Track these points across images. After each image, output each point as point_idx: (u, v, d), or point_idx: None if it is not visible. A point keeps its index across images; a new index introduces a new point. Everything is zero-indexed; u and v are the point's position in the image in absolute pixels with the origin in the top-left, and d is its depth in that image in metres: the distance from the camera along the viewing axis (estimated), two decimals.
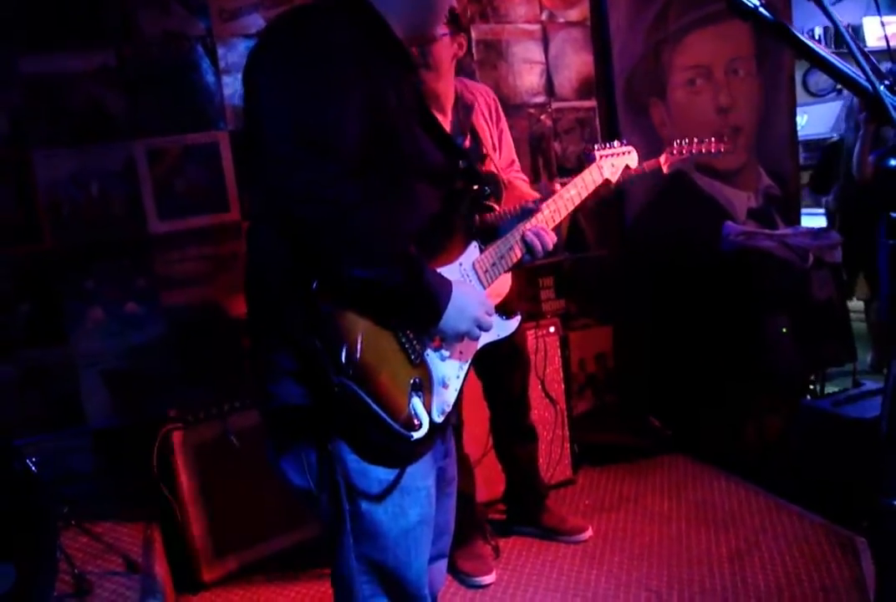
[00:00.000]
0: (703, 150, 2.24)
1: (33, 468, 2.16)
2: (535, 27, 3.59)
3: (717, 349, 3.47)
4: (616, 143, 1.91)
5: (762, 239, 3.44)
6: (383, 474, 1.43)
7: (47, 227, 2.88)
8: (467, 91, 2.55)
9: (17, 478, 2.14)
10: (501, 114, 2.64)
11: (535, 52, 3.59)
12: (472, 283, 1.55)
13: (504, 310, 1.61)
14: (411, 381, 1.40)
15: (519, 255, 1.64)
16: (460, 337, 1.46)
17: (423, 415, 1.38)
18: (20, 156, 2.82)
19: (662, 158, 2.24)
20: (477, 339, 1.50)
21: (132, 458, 2.91)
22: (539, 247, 1.64)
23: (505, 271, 1.63)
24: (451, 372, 1.49)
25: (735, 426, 3.55)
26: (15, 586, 2.02)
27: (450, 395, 1.48)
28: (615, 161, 1.88)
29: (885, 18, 6.66)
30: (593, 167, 1.83)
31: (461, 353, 1.52)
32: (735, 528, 2.81)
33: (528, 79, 3.59)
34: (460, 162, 1.61)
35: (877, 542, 1.00)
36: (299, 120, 1.28)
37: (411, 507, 1.47)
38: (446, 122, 2.47)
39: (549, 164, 3.63)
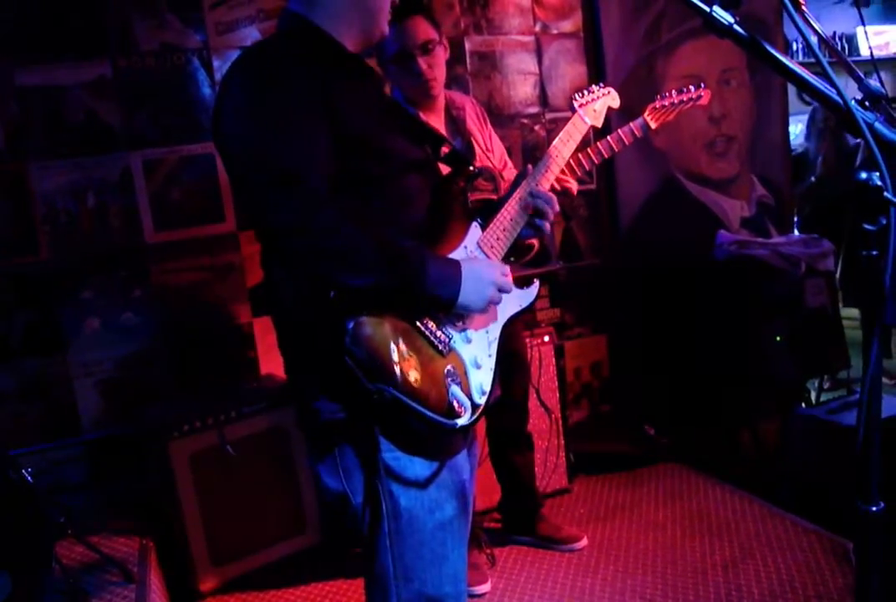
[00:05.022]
0: (686, 99, 2.17)
1: (29, 478, 2.17)
2: (529, 38, 3.62)
3: (711, 357, 3.48)
4: (594, 87, 1.91)
5: (755, 248, 3.46)
6: (420, 469, 1.47)
7: (44, 238, 2.89)
8: (454, 98, 2.61)
9: (12, 488, 2.15)
10: (487, 118, 2.69)
11: (528, 63, 3.62)
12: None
13: (519, 280, 1.62)
14: (445, 370, 1.44)
15: (521, 222, 1.64)
16: (487, 305, 1.49)
17: (465, 400, 1.43)
18: (17, 168, 2.84)
19: (647, 115, 2.17)
20: (499, 303, 1.53)
21: (128, 467, 2.93)
22: (544, 206, 1.63)
23: (512, 241, 1.63)
24: (480, 352, 1.52)
25: (730, 434, 3.56)
26: (10, 596, 2.03)
27: (485, 375, 1.51)
28: (596, 106, 1.88)
29: (876, 28, 6.72)
30: (575, 118, 1.83)
31: (487, 331, 1.54)
32: (729, 536, 2.82)
33: (522, 89, 3.62)
34: (442, 148, 1.64)
35: (857, 548, 1.01)
36: (261, 157, 1.34)
37: (448, 500, 1.51)
38: (441, 124, 2.52)
39: None
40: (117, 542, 2.70)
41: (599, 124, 1.89)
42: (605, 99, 1.92)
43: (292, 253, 1.36)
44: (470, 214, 1.60)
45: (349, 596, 2.68)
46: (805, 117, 5.71)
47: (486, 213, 1.62)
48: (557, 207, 1.67)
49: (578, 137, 1.81)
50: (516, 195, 1.65)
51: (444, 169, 1.64)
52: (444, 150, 1.64)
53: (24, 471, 2.16)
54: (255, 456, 2.79)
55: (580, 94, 1.88)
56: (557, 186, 2.21)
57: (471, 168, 1.63)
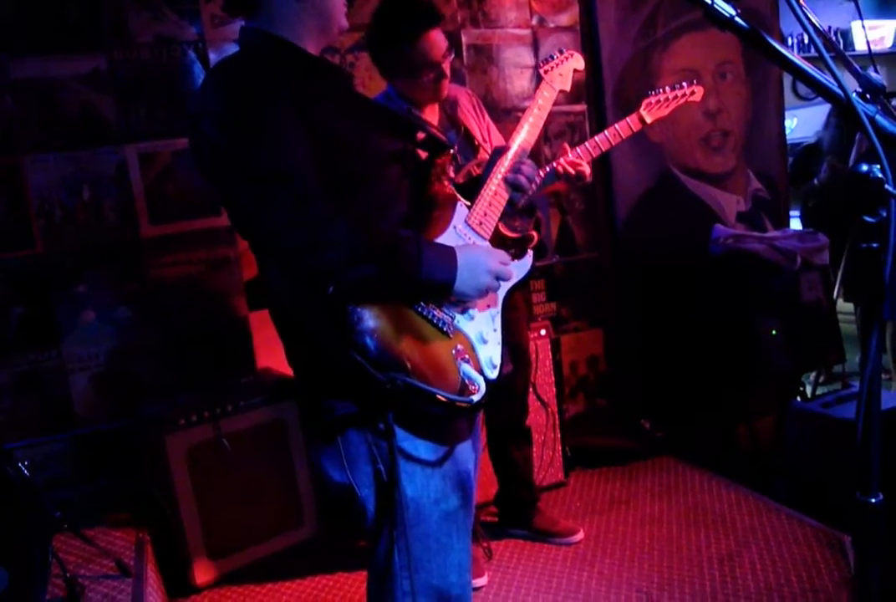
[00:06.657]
0: (679, 95, 2.25)
1: (25, 472, 2.16)
2: (526, 32, 3.61)
3: (707, 351, 3.48)
4: (556, 52, 1.93)
5: (751, 242, 3.47)
6: (426, 454, 1.48)
7: (39, 232, 2.88)
8: (449, 91, 2.58)
9: (8, 482, 2.14)
10: (484, 110, 2.67)
11: (525, 56, 3.62)
12: (473, 241, 1.58)
13: (514, 252, 1.64)
14: (453, 351, 1.45)
15: (505, 196, 1.65)
16: (484, 293, 1.50)
17: (477, 377, 1.45)
18: (11, 161, 2.83)
19: (643, 109, 2.25)
20: (498, 290, 1.54)
21: (124, 461, 2.93)
22: (522, 179, 1.65)
23: (499, 217, 1.64)
24: (485, 327, 1.53)
25: (726, 428, 3.57)
26: (7, 590, 2.03)
27: (493, 349, 1.52)
28: (561, 70, 1.91)
29: (871, 22, 6.72)
30: (543, 85, 1.85)
31: (488, 306, 1.55)
32: (726, 529, 2.82)
33: (519, 83, 3.61)
34: (417, 134, 1.65)
35: (856, 540, 1.02)
36: (249, 165, 1.36)
37: (453, 491, 1.52)
38: (435, 117, 2.51)
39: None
40: (113, 535, 2.70)
41: (568, 87, 1.92)
42: (570, 62, 1.94)
43: (289, 251, 1.36)
44: (453, 195, 1.61)
45: (347, 588, 2.68)
46: (801, 112, 5.72)
47: (469, 191, 1.64)
48: (537, 178, 1.68)
49: (549, 104, 1.84)
50: (496, 169, 1.66)
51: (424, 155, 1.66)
52: (420, 135, 1.66)
53: (20, 464, 2.15)
54: (251, 449, 2.79)
55: (544, 62, 1.91)
56: (570, 170, 2.22)
57: (450, 151, 1.65)
